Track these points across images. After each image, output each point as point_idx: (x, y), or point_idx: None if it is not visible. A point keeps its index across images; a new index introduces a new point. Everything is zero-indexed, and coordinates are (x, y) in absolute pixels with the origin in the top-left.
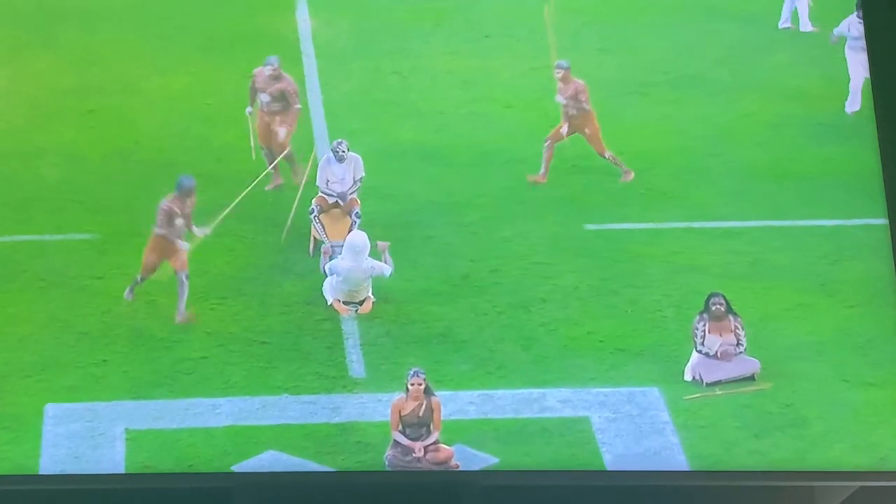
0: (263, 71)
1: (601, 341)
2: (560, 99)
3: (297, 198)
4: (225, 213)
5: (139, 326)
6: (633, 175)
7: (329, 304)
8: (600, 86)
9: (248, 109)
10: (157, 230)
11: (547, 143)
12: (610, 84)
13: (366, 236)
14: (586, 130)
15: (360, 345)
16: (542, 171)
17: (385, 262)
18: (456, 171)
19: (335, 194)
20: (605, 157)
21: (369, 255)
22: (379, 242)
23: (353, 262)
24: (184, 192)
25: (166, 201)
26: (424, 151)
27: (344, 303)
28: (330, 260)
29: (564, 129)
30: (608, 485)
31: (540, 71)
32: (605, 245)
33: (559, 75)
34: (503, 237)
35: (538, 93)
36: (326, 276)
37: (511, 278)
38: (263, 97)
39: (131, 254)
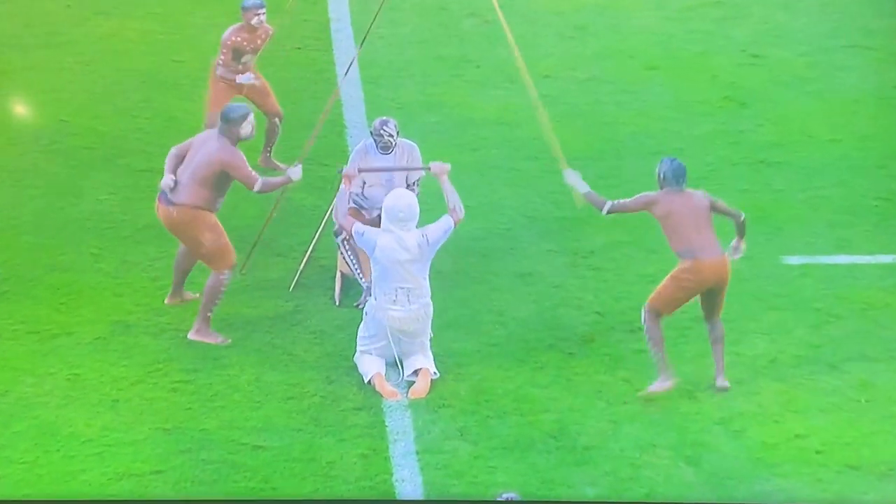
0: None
1: (818, 452)
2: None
3: (325, 216)
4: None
5: (52, 419)
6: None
7: (367, 381)
8: (786, 36)
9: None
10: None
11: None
12: (805, 34)
13: (413, 197)
14: (257, 83)
15: (416, 451)
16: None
17: (450, 203)
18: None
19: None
20: (275, 120)
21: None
22: (433, 165)
23: (397, 232)
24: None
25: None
26: (518, 138)
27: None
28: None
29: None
30: None
31: (699, 11)
32: (817, 290)
33: (260, 17)
34: (645, 276)
35: (698, 46)
36: (361, 331)
37: None
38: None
39: (46, 300)
